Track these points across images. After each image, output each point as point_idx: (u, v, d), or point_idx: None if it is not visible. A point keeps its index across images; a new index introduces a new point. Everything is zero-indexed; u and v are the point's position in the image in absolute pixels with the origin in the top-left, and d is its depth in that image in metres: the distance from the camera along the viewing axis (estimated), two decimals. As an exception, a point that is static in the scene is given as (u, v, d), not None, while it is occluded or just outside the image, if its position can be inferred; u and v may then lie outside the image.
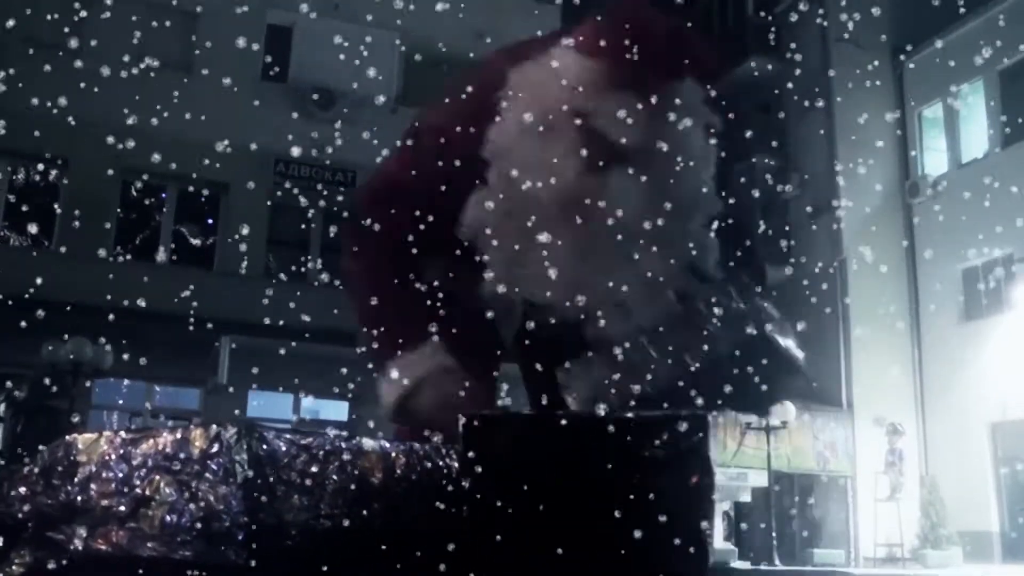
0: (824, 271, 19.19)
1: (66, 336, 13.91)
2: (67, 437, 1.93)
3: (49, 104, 12.01)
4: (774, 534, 16.14)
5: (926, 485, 18.22)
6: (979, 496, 18.03)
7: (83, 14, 17.03)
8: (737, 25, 21.42)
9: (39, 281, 13.14)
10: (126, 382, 16.76)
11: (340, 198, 18.55)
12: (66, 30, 16.57)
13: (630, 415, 1.75)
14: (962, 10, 18.17)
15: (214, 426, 1.79)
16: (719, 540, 16.52)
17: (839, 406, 18.88)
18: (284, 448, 1.78)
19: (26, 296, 12.97)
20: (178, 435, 1.82)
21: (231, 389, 15.97)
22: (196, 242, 19.21)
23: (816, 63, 20.31)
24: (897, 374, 19.15)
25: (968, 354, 18.36)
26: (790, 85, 20.71)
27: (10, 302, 11.54)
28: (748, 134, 19.16)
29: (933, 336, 19.34)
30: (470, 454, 1.69)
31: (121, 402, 17.21)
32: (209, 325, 14.06)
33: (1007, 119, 18.62)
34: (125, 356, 14.46)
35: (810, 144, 20.47)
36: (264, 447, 1.76)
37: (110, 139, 15.17)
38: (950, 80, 19.20)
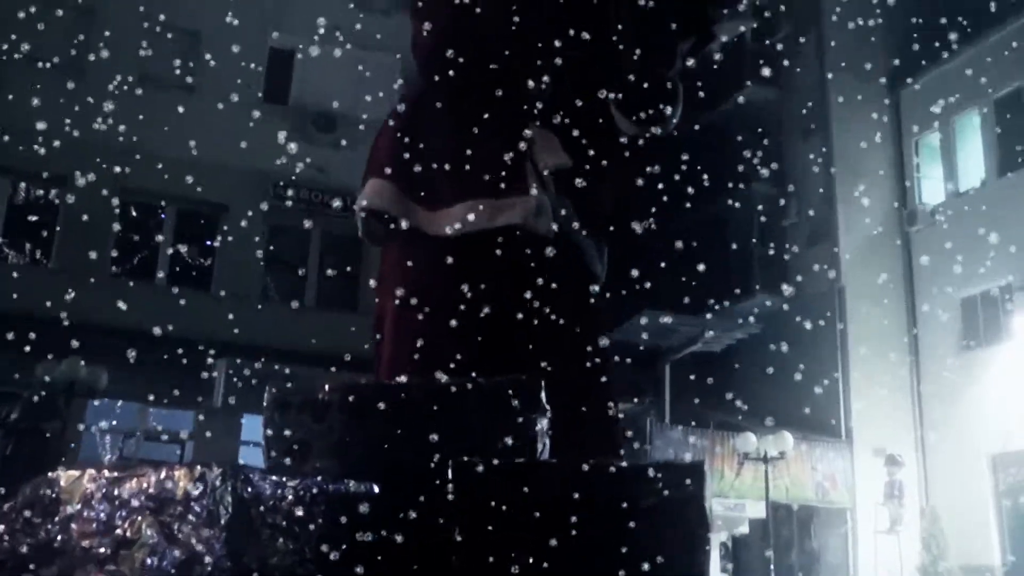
0: (822, 298, 19.17)
1: (61, 355, 13.85)
2: (50, 474, 1.90)
3: (50, 122, 12.04)
4: (772, 566, 16.05)
5: (927, 517, 18.06)
6: (980, 529, 17.87)
7: (86, 34, 17.10)
8: (735, 53, 21.48)
9: (35, 300, 13.10)
10: (120, 403, 16.69)
11: (338, 219, 18.57)
12: (69, 50, 16.62)
13: (625, 464, 1.72)
14: (958, 40, 18.26)
15: (199, 467, 1.76)
16: (716, 573, 16.43)
17: (838, 436, 18.80)
18: (269, 490, 1.74)
19: (22, 314, 12.94)
20: (162, 475, 1.79)
21: (226, 411, 15.90)
22: (194, 263, 19.19)
23: (814, 91, 20.37)
24: (896, 404, 19.08)
25: (967, 384, 18.28)
26: (788, 113, 20.77)
27: (6, 320, 11.46)
28: (746, 161, 19.24)
29: (932, 365, 19.27)
30: (462, 503, 1.66)
31: (115, 423, 17.11)
32: (204, 348, 14.01)
33: (1003, 148, 18.66)
34: (120, 377, 14.42)
35: (808, 171, 20.49)
36: (249, 489, 1.73)
37: (111, 158, 15.20)
38: (947, 109, 19.24)
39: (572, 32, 2.30)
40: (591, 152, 2.42)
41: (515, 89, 2.33)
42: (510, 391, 1.95)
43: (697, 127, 14.59)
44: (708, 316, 19.75)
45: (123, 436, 17.35)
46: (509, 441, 1.95)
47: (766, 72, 21.33)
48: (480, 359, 2.28)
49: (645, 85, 2.37)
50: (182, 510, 1.72)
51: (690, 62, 2.45)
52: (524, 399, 1.97)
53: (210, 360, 15.72)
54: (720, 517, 16.82)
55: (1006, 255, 16.63)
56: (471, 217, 2.30)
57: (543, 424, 1.99)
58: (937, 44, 17.56)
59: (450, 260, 2.29)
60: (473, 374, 2.23)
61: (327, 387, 2.02)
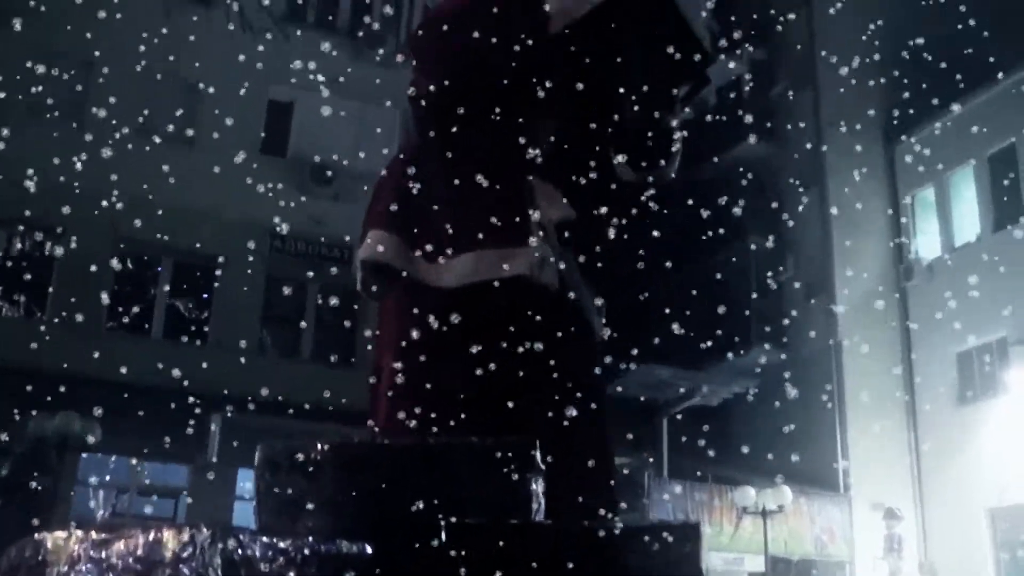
0: (819, 352, 19.16)
1: (54, 409, 13.75)
2: (36, 535, 1.86)
3: (48, 173, 12.08)
4: (770, 621, 15.87)
5: (925, 571, 17.97)
6: (979, 583, 17.76)
7: (85, 85, 17.20)
8: (732, 108, 21.66)
9: (29, 353, 13.05)
10: (113, 458, 16.55)
11: (335, 272, 18.58)
12: (69, 100, 16.71)
13: (620, 524, 1.70)
14: (951, 96, 18.43)
15: (187, 528, 1.72)
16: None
17: (836, 490, 18.70)
18: (260, 551, 1.71)
19: (15, 368, 12.89)
20: (151, 536, 1.76)
21: (221, 465, 15.77)
22: (190, 315, 19.14)
23: (810, 146, 20.50)
24: (894, 457, 19.02)
25: (964, 438, 18.25)
26: (784, 167, 20.89)
27: (-1, 374, 11.41)
28: (743, 215, 19.31)
29: (929, 419, 19.23)
30: (456, 563, 1.63)
31: (108, 478, 16.96)
32: (199, 401, 13.92)
33: (998, 203, 18.77)
34: (113, 430, 14.31)
35: (805, 226, 20.56)
36: (239, 551, 1.70)
37: (108, 210, 15.23)
38: (941, 164, 19.37)
39: (571, 83, 2.31)
40: (591, 203, 2.41)
41: (515, 140, 2.33)
42: (505, 451, 1.93)
43: (694, 181, 14.65)
44: (705, 370, 19.71)
45: (116, 491, 17.19)
46: (503, 501, 1.93)
47: (762, 126, 21.49)
48: (480, 412, 2.26)
49: (646, 132, 2.38)
50: (171, 572, 1.69)
51: (687, 109, 2.46)
52: (519, 459, 1.94)
53: (204, 413, 15.62)
54: (719, 571, 16.66)
55: (1001, 309, 16.64)
56: (474, 268, 2.28)
57: (538, 484, 1.97)
58: (930, 100, 17.71)
59: (451, 312, 2.27)
60: (472, 427, 2.20)
61: (319, 445, 1.99)
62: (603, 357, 2.49)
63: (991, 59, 16.61)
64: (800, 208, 20.55)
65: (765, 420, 17.12)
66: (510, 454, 1.93)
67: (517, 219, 2.29)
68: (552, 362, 2.30)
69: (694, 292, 18.98)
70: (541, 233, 2.32)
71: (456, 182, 2.31)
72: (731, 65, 21.27)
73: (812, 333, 19.31)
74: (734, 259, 20.63)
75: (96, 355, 14.90)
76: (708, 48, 2.40)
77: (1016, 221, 18.17)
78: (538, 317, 2.29)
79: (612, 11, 2.29)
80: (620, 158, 2.44)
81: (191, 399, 12.71)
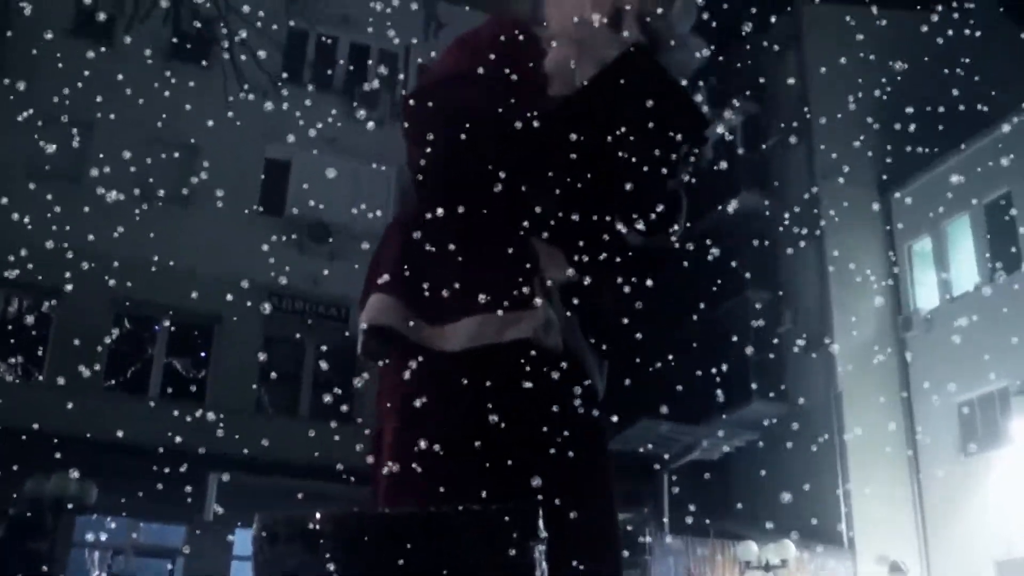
0: (820, 406, 19.09)
1: (51, 470, 13.65)
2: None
3: (45, 233, 12.08)
4: None
5: (932, 625, 17.76)
6: (987, 638, 17.52)
7: (84, 146, 17.29)
8: (727, 161, 21.80)
9: (26, 414, 12.97)
10: (109, 519, 16.40)
11: (332, 329, 18.56)
12: (67, 161, 16.79)
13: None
14: (945, 147, 18.59)
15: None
16: None
17: (839, 544, 18.51)
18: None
19: (12, 429, 12.81)
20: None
21: (218, 525, 15.61)
22: (188, 374, 19.08)
23: (805, 197, 20.60)
24: (898, 510, 18.86)
25: (969, 489, 18.11)
26: (780, 219, 20.98)
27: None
28: (740, 268, 19.35)
29: (932, 471, 19.10)
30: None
31: (104, 539, 16.79)
32: (196, 460, 13.83)
33: (994, 252, 18.81)
34: (110, 491, 14.20)
35: (802, 277, 20.61)
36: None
37: (105, 270, 15.24)
38: (937, 214, 19.46)
39: (574, 147, 2.31)
40: (594, 265, 2.40)
41: (518, 202, 2.33)
42: (506, 518, 1.89)
43: (691, 235, 14.70)
44: (705, 424, 19.64)
45: (112, 552, 17.02)
46: (505, 570, 1.89)
47: (757, 179, 21.63)
48: (483, 478, 2.23)
49: (650, 194, 2.38)
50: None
51: (688, 171, 2.46)
52: (520, 526, 1.91)
53: (202, 472, 15.50)
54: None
55: (1002, 359, 16.63)
56: (478, 332, 2.26)
57: (540, 551, 1.93)
58: (924, 150, 17.86)
59: (454, 375, 2.25)
60: (474, 492, 2.17)
61: (318, 516, 1.96)
62: (607, 418, 2.46)
63: (984, 108, 16.78)
64: (797, 260, 20.60)
65: (767, 474, 16.99)
66: (512, 521, 1.89)
67: (521, 282, 2.28)
68: (556, 426, 2.27)
69: (694, 345, 18.98)
70: (545, 296, 2.31)
71: (458, 245, 2.30)
72: (726, 116, 21.45)
73: (812, 386, 19.26)
74: (733, 312, 20.64)
75: (93, 415, 14.84)
76: (703, 112, 2.41)
77: (1013, 270, 18.21)
78: (542, 381, 2.27)
79: (609, 78, 2.30)
80: (627, 222, 2.44)
81: (188, 458, 12.64)
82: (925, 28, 19.16)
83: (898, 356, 19.94)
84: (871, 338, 19.82)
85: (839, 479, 18.66)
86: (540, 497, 2.19)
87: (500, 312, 2.24)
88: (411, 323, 2.27)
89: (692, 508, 18.19)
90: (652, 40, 2.42)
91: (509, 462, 2.23)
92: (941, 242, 20.13)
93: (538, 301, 2.26)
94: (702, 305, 19.05)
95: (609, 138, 2.28)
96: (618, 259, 2.43)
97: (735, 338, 19.79)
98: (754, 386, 19.70)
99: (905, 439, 19.44)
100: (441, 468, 2.18)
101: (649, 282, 2.49)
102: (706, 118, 2.41)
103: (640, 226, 2.43)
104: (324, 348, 18.67)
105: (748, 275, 20.37)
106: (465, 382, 2.22)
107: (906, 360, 19.88)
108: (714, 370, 17.21)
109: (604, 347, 2.45)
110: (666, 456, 19.99)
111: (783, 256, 20.96)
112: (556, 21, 2.48)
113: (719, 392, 19.41)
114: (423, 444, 2.22)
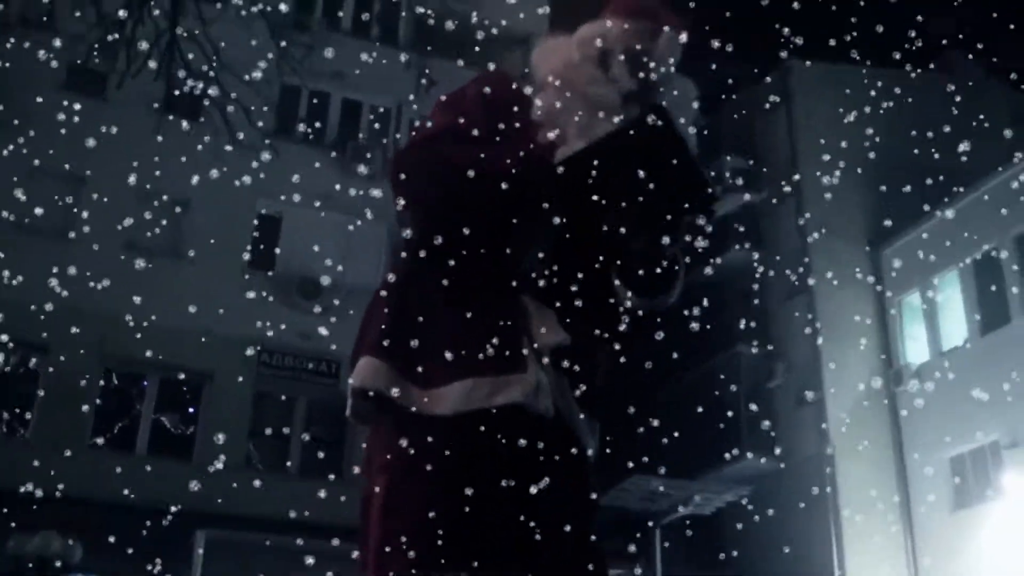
0: (812, 460, 19.00)
1: (35, 529, 13.46)
2: None
3: (33, 289, 12.01)
4: None
5: None
6: None
7: (73, 200, 17.29)
8: (717, 216, 21.92)
9: (10, 472, 12.82)
10: (95, 578, 16.13)
11: (323, 386, 18.44)
12: (56, 215, 16.76)
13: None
14: (934, 202, 18.70)
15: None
16: None
17: (833, 600, 18.35)
18: None
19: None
20: None
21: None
22: (176, 431, 18.91)
23: (795, 251, 20.69)
24: (891, 564, 18.72)
25: (962, 543, 18.00)
26: (771, 273, 21.04)
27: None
28: (731, 322, 19.35)
29: (925, 525, 19.00)
30: None
31: (89, 600, 16.50)
32: (184, 518, 13.66)
33: (984, 306, 18.87)
34: (96, 550, 13.98)
35: (793, 332, 20.62)
36: None
37: (93, 326, 15.15)
38: (927, 270, 19.53)
39: (568, 207, 2.28)
40: (588, 327, 2.37)
41: (509, 264, 2.30)
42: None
43: (682, 291, 14.70)
44: (698, 479, 19.52)
45: (96, 613, 16.71)
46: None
47: (748, 234, 21.71)
48: (472, 542, 2.18)
49: (649, 259, 2.35)
50: None
51: (689, 238, 2.43)
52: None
53: (190, 529, 15.31)
54: None
55: (992, 413, 16.61)
56: (468, 396, 2.22)
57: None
58: (914, 206, 17.95)
59: (444, 439, 2.21)
60: (464, 558, 2.12)
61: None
62: (598, 480, 2.42)
63: (972, 164, 16.91)
64: (788, 315, 20.63)
65: (759, 528, 16.88)
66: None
67: (512, 345, 2.24)
68: (547, 491, 2.22)
69: (685, 402, 18.93)
70: (536, 360, 2.27)
71: (448, 307, 2.27)
72: (713, 174, 21.59)
73: (804, 440, 19.20)
74: (724, 367, 20.61)
75: (79, 473, 14.66)
76: (714, 187, 2.40)
77: (1003, 324, 18.24)
78: (533, 445, 2.22)
79: (614, 144, 2.28)
80: (625, 284, 2.41)
81: (176, 516, 12.48)
82: (913, 86, 19.35)
83: (889, 410, 19.91)
84: (862, 392, 19.80)
85: (832, 533, 18.54)
86: (528, 565, 2.15)
87: (490, 376, 2.20)
88: (399, 387, 2.24)
89: (685, 564, 17.99)
90: (640, 82, 2.41)
91: (497, 526, 2.18)
92: (931, 296, 20.20)
93: (529, 365, 2.22)
94: (694, 360, 19.02)
95: (614, 200, 2.26)
96: (611, 321, 2.40)
97: (727, 392, 19.75)
98: (746, 441, 19.63)
99: (898, 493, 19.36)
100: (429, 535, 2.13)
101: (640, 343, 2.46)
102: (716, 195, 2.40)
103: (637, 289, 2.40)
104: (314, 404, 18.56)
105: (739, 329, 20.38)
106: (454, 447, 2.17)
107: (897, 414, 19.85)
108: (706, 425, 17.15)
109: (596, 409, 2.41)
110: (658, 512, 19.83)
111: (774, 310, 21.00)
112: (544, 70, 2.48)
113: (711, 447, 19.32)
114: (411, 510, 2.17)
